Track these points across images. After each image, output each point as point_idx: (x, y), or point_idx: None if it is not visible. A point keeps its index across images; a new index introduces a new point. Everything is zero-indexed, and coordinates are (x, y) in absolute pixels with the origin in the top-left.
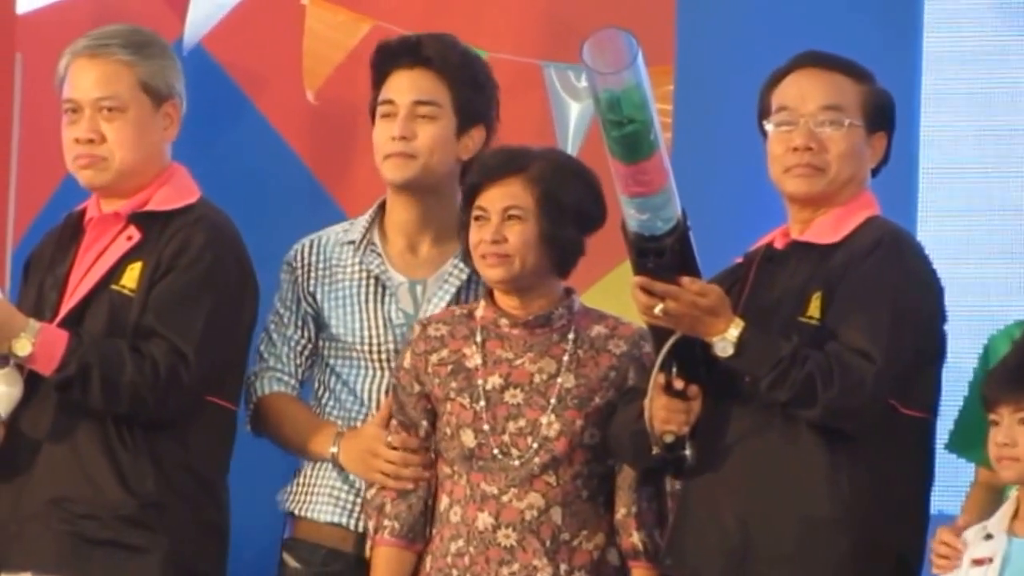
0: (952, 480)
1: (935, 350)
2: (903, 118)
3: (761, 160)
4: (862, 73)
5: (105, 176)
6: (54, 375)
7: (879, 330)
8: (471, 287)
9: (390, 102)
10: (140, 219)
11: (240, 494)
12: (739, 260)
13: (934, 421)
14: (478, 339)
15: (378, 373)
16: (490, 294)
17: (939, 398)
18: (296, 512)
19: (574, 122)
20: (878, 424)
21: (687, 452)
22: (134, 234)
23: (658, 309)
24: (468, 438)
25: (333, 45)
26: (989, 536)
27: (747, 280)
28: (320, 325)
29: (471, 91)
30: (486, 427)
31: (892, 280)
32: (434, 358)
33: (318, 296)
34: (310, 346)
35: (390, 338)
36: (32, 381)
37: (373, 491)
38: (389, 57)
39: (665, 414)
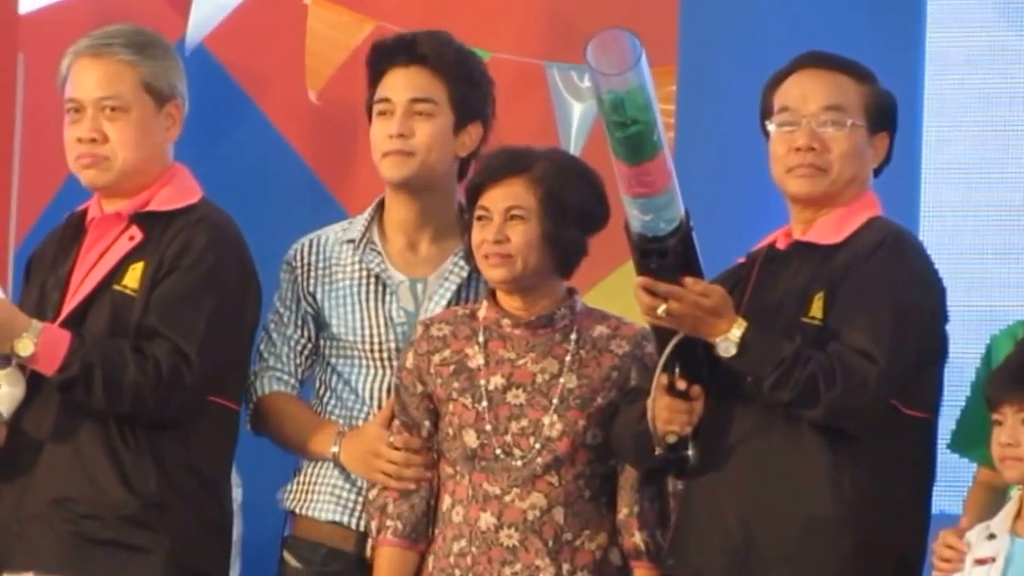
0: (953, 480)
1: (937, 350)
2: (905, 118)
3: (763, 160)
4: (864, 73)
5: (107, 176)
6: (56, 375)
7: (881, 330)
8: (472, 285)
9: (387, 100)
10: (142, 219)
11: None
12: (741, 260)
13: (936, 421)
14: (480, 339)
15: (380, 372)
16: (492, 294)
17: (941, 398)
18: (297, 510)
19: (577, 122)
20: (880, 424)
21: (690, 453)
22: (136, 234)
23: (661, 310)
24: (470, 438)
25: (335, 45)
26: (992, 536)
27: (749, 280)
28: (320, 324)
29: (467, 88)
30: (488, 427)
31: (894, 280)
32: (436, 358)
33: (318, 296)
34: (310, 345)
35: (391, 337)
36: (34, 381)
37: (375, 491)
38: (385, 55)
39: (668, 414)
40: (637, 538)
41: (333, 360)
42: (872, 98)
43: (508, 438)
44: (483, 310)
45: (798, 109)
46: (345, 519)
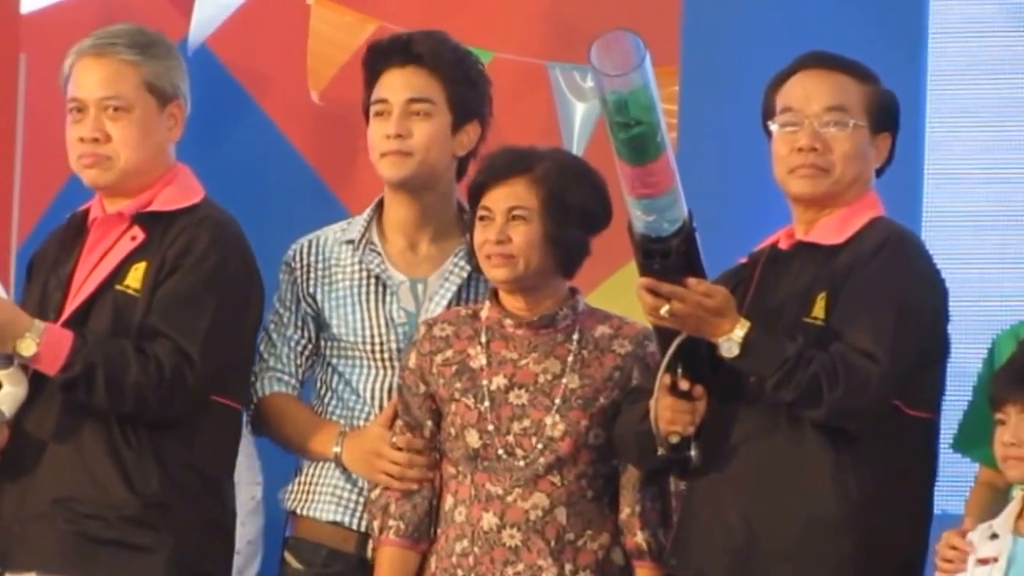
0: (955, 480)
1: (939, 350)
2: (908, 122)
3: (766, 161)
4: (866, 74)
5: (109, 176)
6: (59, 375)
7: (884, 331)
8: (472, 285)
9: (384, 101)
10: (144, 219)
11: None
12: (743, 260)
13: (938, 421)
14: (483, 339)
15: (381, 372)
16: (495, 294)
17: (943, 398)
18: (297, 511)
19: (579, 122)
20: (882, 424)
21: (692, 453)
22: (138, 234)
23: (664, 310)
24: (473, 438)
25: (337, 45)
26: (994, 536)
27: (752, 281)
28: (320, 325)
29: (464, 87)
30: (491, 427)
31: (897, 281)
32: (439, 358)
33: (318, 296)
34: (310, 346)
35: (392, 337)
36: (36, 381)
37: (377, 491)
38: (381, 56)
39: (670, 415)
40: (639, 538)
41: (334, 361)
42: (874, 98)
43: (510, 438)
44: (485, 310)
45: (800, 109)
46: (346, 520)
